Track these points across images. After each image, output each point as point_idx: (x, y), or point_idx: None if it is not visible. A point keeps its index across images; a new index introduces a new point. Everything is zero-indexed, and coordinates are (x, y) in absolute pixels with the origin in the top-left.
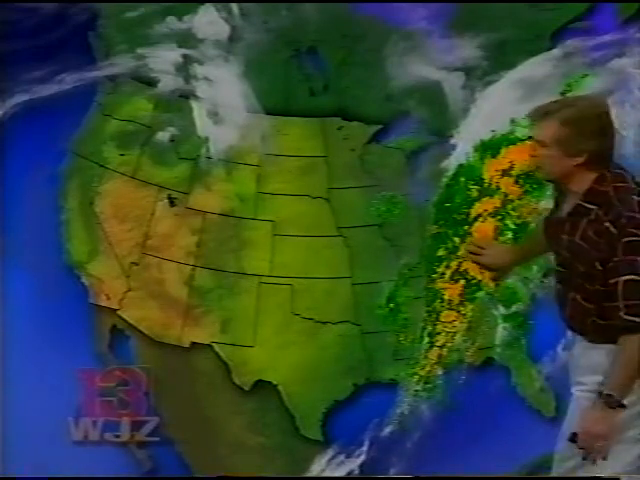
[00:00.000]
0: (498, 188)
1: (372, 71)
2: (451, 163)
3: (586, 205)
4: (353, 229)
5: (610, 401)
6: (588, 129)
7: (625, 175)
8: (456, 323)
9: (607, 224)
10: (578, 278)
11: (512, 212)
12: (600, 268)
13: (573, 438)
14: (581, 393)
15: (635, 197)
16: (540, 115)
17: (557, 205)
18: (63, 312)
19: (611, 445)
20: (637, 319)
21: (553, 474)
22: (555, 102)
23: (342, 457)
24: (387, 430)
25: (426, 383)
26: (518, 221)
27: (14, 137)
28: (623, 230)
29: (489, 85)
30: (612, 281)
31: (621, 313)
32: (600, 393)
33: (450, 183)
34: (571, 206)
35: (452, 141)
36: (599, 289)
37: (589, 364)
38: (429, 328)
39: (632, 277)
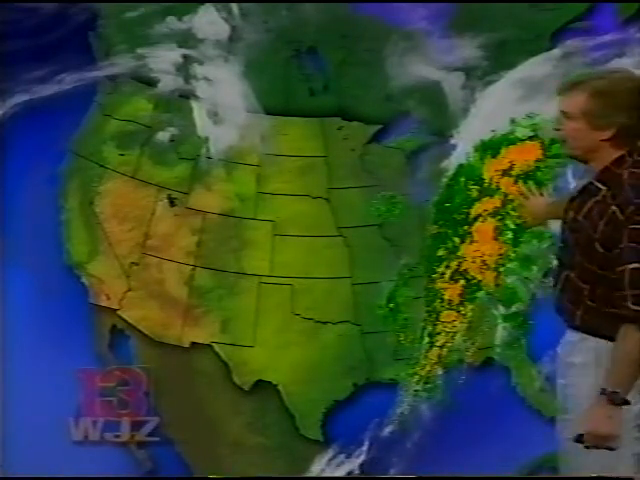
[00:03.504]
0: (498, 188)
1: (372, 71)
2: (451, 163)
3: (597, 184)
4: (353, 229)
5: (614, 398)
6: (618, 102)
7: None
8: (456, 323)
9: (614, 208)
10: (578, 256)
11: (512, 212)
12: (601, 250)
13: (579, 439)
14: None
15: None
16: (568, 86)
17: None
18: (63, 312)
19: (619, 440)
20: None
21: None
22: (585, 74)
23: (342, 457)
24: (387, 430)
25: (426, 383)
26: (518, 221)
27: (14, 137)
28: (630, 217)
29: (489, 85)
30: (619, 269)
31: (628, 302)
32: (604, 390)
33: (450, 183)
34: (584, 183)
35: (452, 141)
36: (596, 271)
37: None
38: (429, 328)
39: (638, 265)
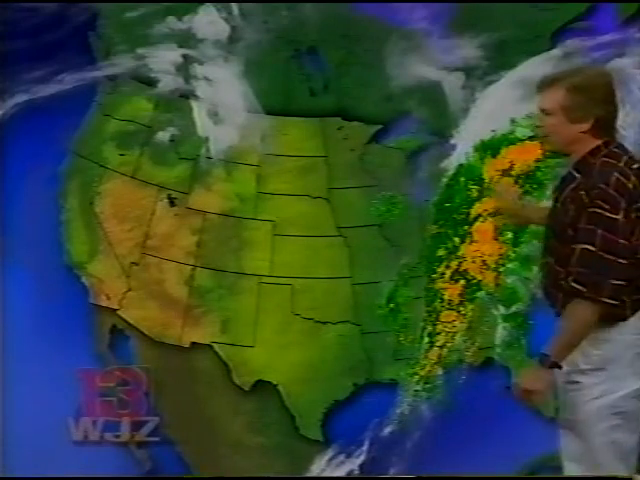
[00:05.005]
0: None
1: (372, 71)
2: (451, 163)
3: (573, 172)
4: (353, 229)
5: (544, 360)
6: (595, 96)
7: (619, 154)
8: (456, 323)
9: (582, 192)
10: (554, 241)
11: None
12: (571, 233)
13: (509, 387)
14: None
15: (616, 174)
16: (546, 84)
17: None
18: (63, 312)
19: (545, 397)
20: (581, 287)
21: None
22: (561, 71)
23: (342, 457)
24: (387, 430)
25: (426, 383)
26: None
27: (14, 137)
28: (593, 200)
29: (489, 85)
30: (572, 246)
31: (570, 278)
32: (540, 352)
33: (450, 183)
34: (564, 173)
35: (452, 141)
36: (569, 253)
37: None
38: (429, 328)
39: (588, 247)
